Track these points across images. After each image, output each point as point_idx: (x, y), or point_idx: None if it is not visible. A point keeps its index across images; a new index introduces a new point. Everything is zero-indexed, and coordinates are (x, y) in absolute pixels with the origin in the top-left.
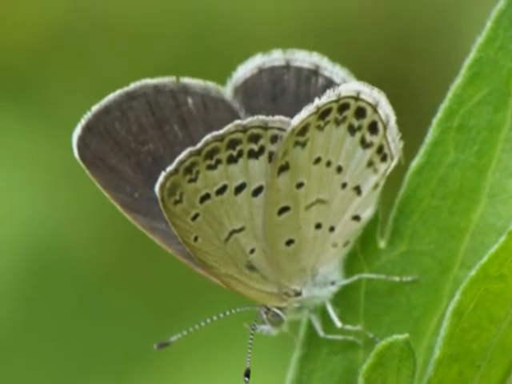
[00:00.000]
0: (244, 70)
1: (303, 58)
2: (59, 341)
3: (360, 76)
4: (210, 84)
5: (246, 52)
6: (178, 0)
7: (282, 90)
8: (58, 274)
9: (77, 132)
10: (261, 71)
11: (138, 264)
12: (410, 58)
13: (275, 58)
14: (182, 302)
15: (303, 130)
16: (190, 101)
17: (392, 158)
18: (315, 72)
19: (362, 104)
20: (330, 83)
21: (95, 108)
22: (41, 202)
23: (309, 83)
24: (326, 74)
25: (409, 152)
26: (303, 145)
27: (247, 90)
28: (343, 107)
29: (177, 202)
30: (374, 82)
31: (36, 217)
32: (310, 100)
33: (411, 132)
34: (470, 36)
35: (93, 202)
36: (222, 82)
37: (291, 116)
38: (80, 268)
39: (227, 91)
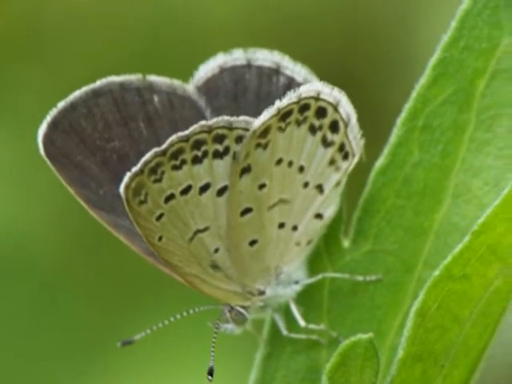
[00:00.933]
0: (205, 70)
1: (264, 57)
2: (16, 333)
3: (311, 67)
4: (176, 82)
5: (201, 45)
6: None
7: (243, 90)
8: (14, 267)
9: (42, 128)
10: (222, 70)
11: (94, 259)
12: (362, 50)
13: (236, 57)
14: (141, 296)
15: (264, 132)
16: (155, 98)
17: (353, 156)
18: (276, 71)
19: (323, 104)
20: (291, 82)
21: (61, 105)
22: None
23: (270, 82)
24: (288, 72)
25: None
26: (265, 147)
27: (209, 89)
28: (304, 108)
29: (142, 202)
30: (324, 73)
31: None
32: (271, 99)
33: (365, 126)
34: (423, 29)
35: (47, 195)
36: (185, 78)
37: (253, 115)
38: (35, 262)
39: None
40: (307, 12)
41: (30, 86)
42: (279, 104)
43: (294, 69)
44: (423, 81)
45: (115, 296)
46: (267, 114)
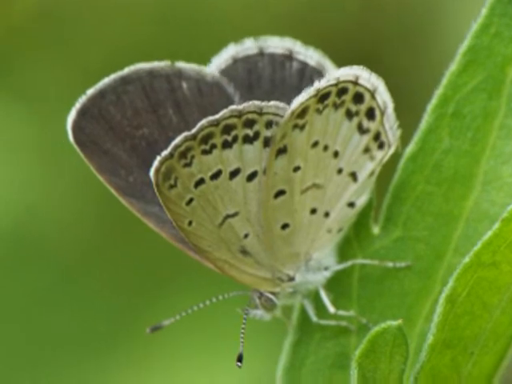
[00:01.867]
0: (218, 62)
1: (276, 44)
2: (36, 319)
3: (328, 51)
4: (205, 69)
5: (212, 29)
6: None
7: (257, 78)
8: (34, 253)
9: (72, 116)
10: (235, 61)
11: (115, 245)
12: (379, 33)
13: (248, 46)
14: (170, 282)
15: (302, 112)
16: (184, 85)
17: (389, 146)
18: (289, 57)
19: (361, 89)
20: (304, 67)
21: (90, 92)
22: (16, 182)
23: (283, 68)
24: (300, 57)
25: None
26: (302, 128)
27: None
28: (342, 91)
29: (171, 187)
30: (341, 58)
31: (11, 196)
32: (286, 85)
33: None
34: (451, 15)
35: (69, 182)
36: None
37: None
38: (58, 249)
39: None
40: None
41: (47, 72)
42: (318, 85)
43: (307, 53)
44: (453, 68)
45: (142, 282)
46: (306, 95)
